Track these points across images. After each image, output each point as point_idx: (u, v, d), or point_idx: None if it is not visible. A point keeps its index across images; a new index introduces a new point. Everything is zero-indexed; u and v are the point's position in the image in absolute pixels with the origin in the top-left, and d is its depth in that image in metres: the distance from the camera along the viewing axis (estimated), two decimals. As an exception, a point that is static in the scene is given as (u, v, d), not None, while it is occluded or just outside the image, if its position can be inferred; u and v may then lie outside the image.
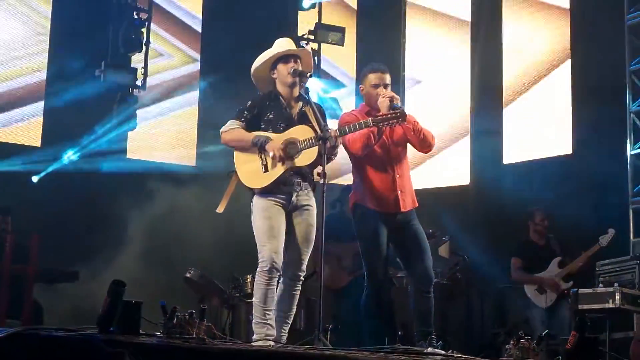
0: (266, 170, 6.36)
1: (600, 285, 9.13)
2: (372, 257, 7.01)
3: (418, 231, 7.04)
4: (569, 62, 12.23)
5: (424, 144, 7.07)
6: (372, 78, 7.03)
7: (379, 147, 6.97)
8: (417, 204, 7.16)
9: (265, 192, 6.37)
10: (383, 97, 6.80)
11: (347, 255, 9.38)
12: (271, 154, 6.32)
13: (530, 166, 12.33)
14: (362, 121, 6.59)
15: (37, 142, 11.64)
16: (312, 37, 12.36)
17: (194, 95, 12.91)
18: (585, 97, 11.82)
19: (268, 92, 6.61)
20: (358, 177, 7.14)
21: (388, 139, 7.01)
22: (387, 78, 7.05)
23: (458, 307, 11.15)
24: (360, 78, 7.32)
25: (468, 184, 12.94)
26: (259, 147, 6.36)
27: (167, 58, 12.79)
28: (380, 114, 6.62)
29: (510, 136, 12.75)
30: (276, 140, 6.36)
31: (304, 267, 6.47)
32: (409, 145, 7.17)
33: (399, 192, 6.99)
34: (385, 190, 6.99)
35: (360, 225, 7.12)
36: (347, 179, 9.56)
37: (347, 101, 13.05)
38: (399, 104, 6.81)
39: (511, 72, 12.95)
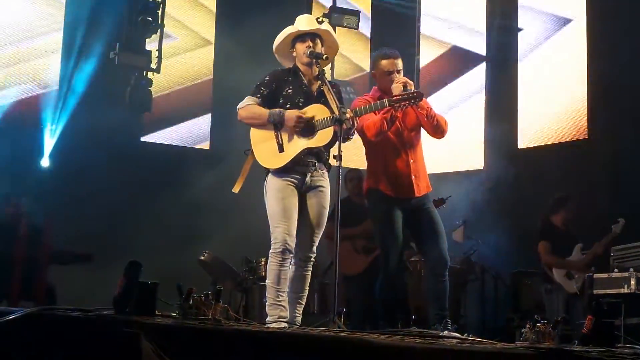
0: (282, 150, 6.33)
1: (616, 270, 9.10)
2: (387, 242, 7.00)
3: (433, 214, 7.04)
4: (585, 45, 12.16)
5: (437, 130, 7.05)
6: (385, 64, 7.01)
7: (392, 133, 6.96)
8: (431, 189, 7.17)
9: (280, 171, 6.34)
10: (397, 82, 6.79)
11: (359, 238, 9.35)
12: (291, 124, 6.29)
13: (544, 151, 12.29)
14: (377, 102, 6.57)
15: (51, 125, 11.63)
16: (326, 20, 12.28)
17: (208, 77, 12.90)
18: (601, 82, 11.77)
19: (288, 67, 6.59)
20: (372, 163, 7.15)
21: (401, 124, 7.01)
22: (399, 63, 7.02)
23: (472, 292, 11.12)
24: (372, 63, 7.28)
25: (482, 168, 12.91)
26: (276, 123, 6.33)
27: (181, 41, 12.78)
28: (397, 94, 6.59)
29: (525, 121, 12.71)
30: (292, 112, 6.34)
31: (315, 248, 6.47)
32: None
33: (413, 177, 6.99)
34: (400, 175, 6.98)
35: (374, 210, 7.13)
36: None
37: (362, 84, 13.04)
38: (412, 90, 6.76)
39: (527, 55, 12.92)
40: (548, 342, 5.32)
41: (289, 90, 6.47)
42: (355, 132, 6.46)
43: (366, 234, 9.22)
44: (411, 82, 6.83)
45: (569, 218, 10.07)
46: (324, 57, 6.45)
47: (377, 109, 6.59)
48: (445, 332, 6.31)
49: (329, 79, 6.74)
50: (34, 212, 9.46)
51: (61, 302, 9.26)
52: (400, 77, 6.88)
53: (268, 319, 6.22)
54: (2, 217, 9.64)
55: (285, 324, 6.05)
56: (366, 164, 7.26)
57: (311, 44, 6.46)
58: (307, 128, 6.35)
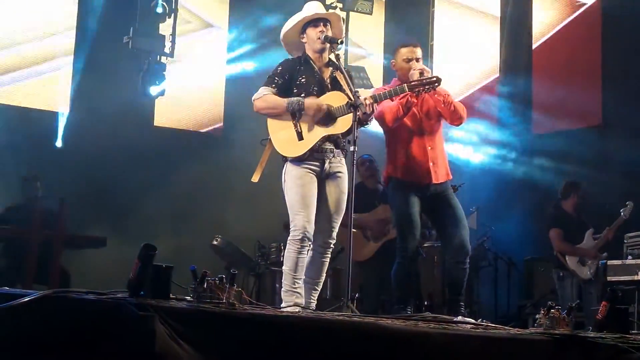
0: (301, 138, 6.31)
1: (629, 257, 9.09)
2: (404, 227, 7.07)
3: (453, 201, 7.11)
4: (599, 31, 12.10)
5: (455, 116, 7.09)
6: (404, 52, 7.10)
7: (410, 120, 7.03)
8: (450, 177, 7.23)
9: (299, 159, 6.32)
10: (414, 69, 6.85)
11: (369, 224, 9.35)
12: (311, 113, 6.27)
13: (558, 137, 12.25)
14: (397, 87, 6.60)
15: (65, 109, 11.65)
16: (340, 5, 12.24)
17: (221, 62, 12.89)
18: (615, 68, 11.73)
19: (298, 56, 6.55)
20: (391, 150, 7.21)
21: (419, 111, 7.08)
22: (419, 52, 7.11)
23: (485, 278, 11.12)
24: (392, 53, 7.37)
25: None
26: (294, 111, 6.31)
27: (194, 25, 12.77)
28: (415, 79, 6.61)
29: (539, 107, 12.67)
30: (312, 99, 6.32)
31: (335, 234, 6.45)
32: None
33: (431, 163, 7.05)
34: (417, 161, 7.05)
35: (392, 196, 7.20)
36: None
37: (375, 69, 13.03)
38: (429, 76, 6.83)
39: (542, 42, 12.86)
40: (562, 328, 5.30)
41: (302, 80, 6.44)
42: (372, 119, 6.46)
43: (376, 221, 9.23)
44: (428, 70, 6.89)
45: (580, 204, 10.05)
46: (339, 41, 6.45)
47: (397, 94, 6.62)
48: (459, 317, 6.33)
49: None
50: (48, 196, 9.48)
51: (75, 286, 9.29)
52: (417, 65, 6.95)
53: (283, 304, 6.21)
54: (17, 200, 9.67)
55: (300, 309, 6.04)
56: (385, 151, 7.30)
57: (324, 29, 6.44)
58: (327, 116, 6.34)
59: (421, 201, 7.02)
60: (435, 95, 6.97)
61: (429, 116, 7.11)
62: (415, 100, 6.91)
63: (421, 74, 6.78)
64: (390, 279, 7.24)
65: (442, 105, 7.02)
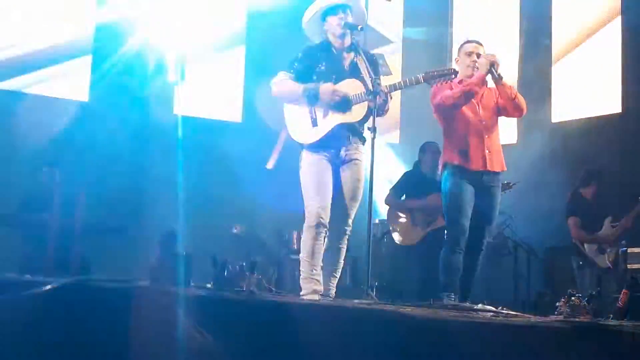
0: (315, 124, 6.32)
1: (650, 244, 9.05)
2: (451, 213, 7.19)
3: (494, 201, 7.30)
4: (619, 18, 12.03)
5: (517, 107, 7.34)
6: (468, 47, 7.38)
7: (470, 111, 7.23)
8: (505, 168, 7.39)
9: (314, 146, 6.34)
10: (485, 58, 7.11)
11: (421, 210, 9.34)
12: (326, 98, 6.26)
13: (578, 125, 12.19)
14: (412, 76, 6.59)
15: (84, 97, 11.67)
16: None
17: (240, 50, 12.88)
18: (635, 55, 11.66)
19: (319, 42, 6.56)
20: (449, 138, 7.36)
21: (479, 102, 7.27)
22: (482, 49, 7.33)
23: (505, 267, 11.07)
24: (457, 51, 7.57)
25: (516, 142, 12.83)
26: (310, 98, 6.31)
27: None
28: (432, 70, 6.63)
29: (559, 94, 12.60)
30: (327, 85, 6.30)
31: (350, 221, 6.49)
32: None
33: (487, 151, 7.22)
34: (474, 148, 7.21)
35: (446, 181, 7.31)
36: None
37: (393, 58, 13.00)
38: (498, 69, 7.12)
39: (561, 29, 12.79)
40: (582, 316, 5.29)
41: (322, 67, 6.47)
42: (389, 108, 6.45)
43: (425, 207, 9.23)
44: (499, 63, 7.14)
45: (600, 192, 10.00)
46: (359, 28, 6.45)
47: (412, 84, 6.61)
48: (480, 305, 6.33)
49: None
50: (68, 184, 9.49)
51: (96, 274, 9.32)
52: (487, 56, 7.18)
53: (302, 292, 6.23)
54: (36, 188, 9.69)
55: (318, 296, 6.05)
56: (443, 140, 7.46)
57: (343, 15, 6.45)
58: (342, 103, 6.34)
59: (475, 191, 7.16)
60: (502, 86, 7.20)
61: (488, 107, 7.33)
62: (479, 90, 7.14)
63: (492, 64, 7.04)
64: (435, 266, 7.36)
65: (507, 96, 7.23)
